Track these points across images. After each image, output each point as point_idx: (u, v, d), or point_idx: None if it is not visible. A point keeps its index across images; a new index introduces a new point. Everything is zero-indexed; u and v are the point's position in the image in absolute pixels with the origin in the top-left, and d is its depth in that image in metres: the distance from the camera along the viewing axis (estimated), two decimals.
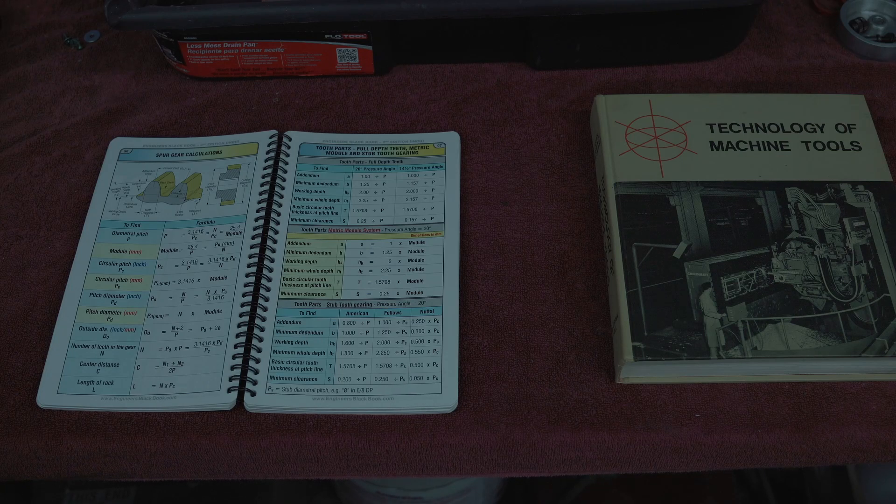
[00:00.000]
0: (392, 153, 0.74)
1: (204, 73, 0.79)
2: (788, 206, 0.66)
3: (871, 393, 0.61)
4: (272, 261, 0.67)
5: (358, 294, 0.66)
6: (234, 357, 0.62)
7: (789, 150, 0.69)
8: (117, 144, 0.75)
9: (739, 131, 0.71)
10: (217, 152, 0.74)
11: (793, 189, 0.67)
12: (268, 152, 0.73)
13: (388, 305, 0.65)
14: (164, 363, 0.63)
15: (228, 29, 0.75)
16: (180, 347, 0.63)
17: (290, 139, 0.74)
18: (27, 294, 0.67)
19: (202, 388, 0.61)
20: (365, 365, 0.62)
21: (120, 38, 0.84)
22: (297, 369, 0.62)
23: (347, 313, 0.65)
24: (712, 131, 0.71)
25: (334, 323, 0.64)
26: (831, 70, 0.79)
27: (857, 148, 0.69)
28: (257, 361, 0.62)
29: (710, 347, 0.59)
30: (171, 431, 0.60)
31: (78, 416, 0.61)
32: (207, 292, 0.66)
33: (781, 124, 0.71)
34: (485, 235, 0.69)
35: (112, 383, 0.62)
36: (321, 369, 0.62)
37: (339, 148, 0.74)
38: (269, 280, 0.66)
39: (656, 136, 0.70)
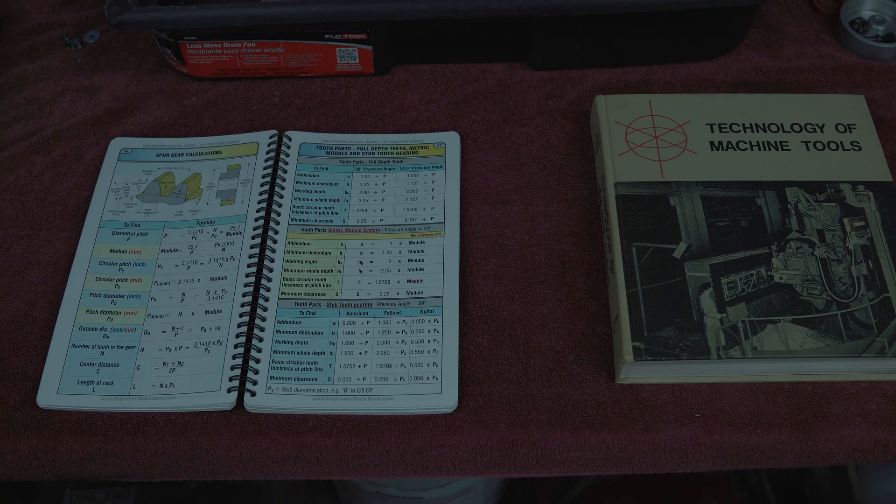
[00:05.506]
0: (392, 153, 0.74)
1: (204, 73, 0.79)
2: (788, 206, 0.66)
3: (871, 393, 0.61)
4: (272, 261, 0.67)
5: (358, 294, 0.66)
6: (234, 357, 0.62)
7: (789, 150, 0.69)
8: (117, 144, 0.75)
9: (739, 131, 0.71)
10: (217, 152, 0.74)
11: (793, 189, 0.67)
12: (268, 152, 0.73)
13: (388, 305, 0.65)
14: (165, 363, 0.63)
15: (228, 29, 0.75)
16: (180, 347, 0.63)
17: (290, 139, 0.74)
18: (27, 294, 0.67)
19: (202, 388, 0.61)
20: (365, 365, 0.62)
21: (120, 38, 0.84)
22: (297, 369, 0.62)
23: (347, 313, 0.65)
24: (712, 131, 0.71)
25: (334, 323, 0.64)
26: (831, 70, 0.79)
27: (857, 148, 0.69)
28: (257, 361, 0.62)
29: (710, 347, 0.59)
30: (171, 431, 0.60)
31: (78, 416, 0.61)
32: (207, 292, 0.66)
33: (781, 124, 0.71)
34: (485, 235, 0.69)
35: (112, 383, 0.62)
36: (321, 369, 0.62)
37: (339, 148, 0.74)
38: (269, 280, 0.66)
39: (656, 136, 0.70)
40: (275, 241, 0.68)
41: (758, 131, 0.71)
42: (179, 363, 0.63)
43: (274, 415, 0.61)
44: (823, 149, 0.70)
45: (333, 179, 0.72)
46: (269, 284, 0.66)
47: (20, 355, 0.64)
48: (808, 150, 0.69)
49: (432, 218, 0.70)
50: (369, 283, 0.66)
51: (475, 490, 1.09)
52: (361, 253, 0.68)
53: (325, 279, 0.66)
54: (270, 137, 0.75)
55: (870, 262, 0.63)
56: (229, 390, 0.61)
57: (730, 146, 0.70)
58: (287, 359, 0.62)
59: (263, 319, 0.64)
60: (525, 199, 0.71)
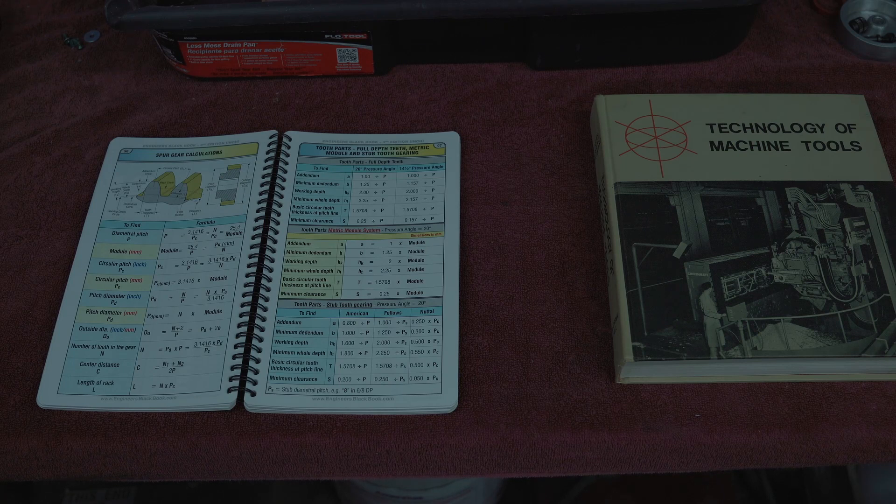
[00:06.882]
0: (392, 153, 0.74)
1: (204, 73, 0.79)
2: (788, 206, 0.66)
3: (871, 393, 0.61)
4: (272, 261, 0.67)
5: (358, 294, 0.66)
6: (234, 357, 0.62)
7: (789, 150, 0.69)
8: (117, 144, 0.75)
9: (739, 131, 0.71)
10: (217, 152, 0.74)
11: (793, 189, 0.67)
12: (268, 152, 0.73)
13: (388, 305, 0.65)
14: (165, 363, 0.63)
15: (228, 29, 0.75)
16: (180, 347, 0.63)
17: (290, 139, 0.74)
18: (27, 294, 0.67)
19: (202, 389, 0.61)
20: (365, 365, 0.62)
21: (120, 38, 0.84)
22: (297, 369, 0.62)
23: (347, 313, 0.65)
24: (712, 131, 0.71)
25: (334, 323, 0.64)
26: (831, 70, 0.79)
27: (857, 148, 0.69)
28: (257, 361, 0.62)
29: (710, 347, 0.59)
30: (171, 431, 0.60)
31: (78, 416, 0.61)
32: (207, 292, 0.66)
33: (781, 124, 0.71)
34: (485, 235, 0.69)
35: (112, 383, 0.62)
36: (321, 369, 0.62)
37: (339, 148, 0.74)
38: (269, 280, 0.66)
39: (656, 136, 0.70)
40: (275, 241, 0.68)
41: (758, 131, 0.71)
42: (179, 363, 0.63)
43: (274, 415, 0.61)
44: (823, 149, 0.70)
45: (333, 179, 0.72)
46: (269, 284, 0.66)
47: (20, 355, 0.64)
48: (808, 150, 0.69)
49: (432, 218, 0.70)
50: (369, 283, 0.66)
51: (475, 490, 1.09)
52: (361, 253, 0.68)
53: (325, 279, 0.66)
54: (270, 137, 0.75)
55: (870, 262, 0.63)
56: (229, 390, 0.61)
57: (730, 146, 0.70)
58: (287, 359, 0.62)
59: (263, 319, 0.64)
60: (525, 199, 0.71)
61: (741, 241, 0.64)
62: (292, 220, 0.69)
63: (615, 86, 0.78)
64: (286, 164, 0.73)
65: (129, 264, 0.68)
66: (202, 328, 0.64)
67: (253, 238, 0.68)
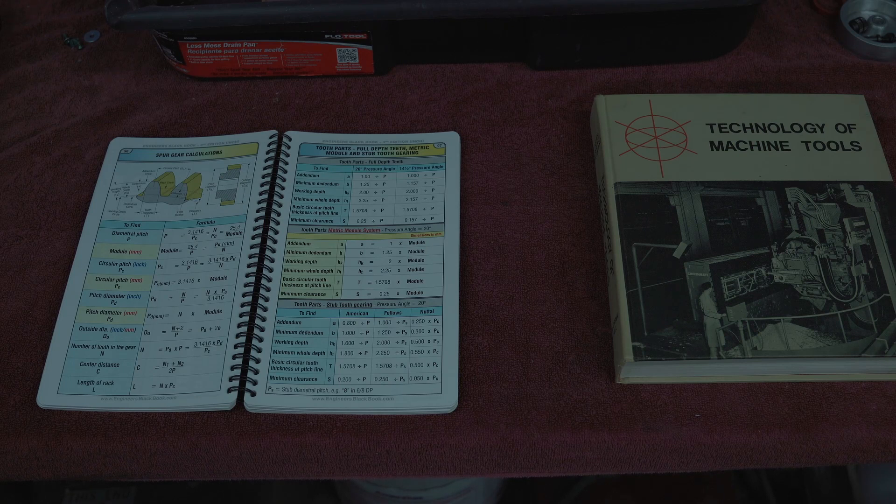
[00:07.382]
0: (392, 153, 0.74)
1: (204, 73, 0.79)
2: (788, 206, 0.66)
3: (871, 393, 0.61)
4: (272, 261, 0.67)
5: (358, 294, 0.66)
6: (234, 357, 0.62)
7: (789, 150, 0.69)
8: (117, 144, 0.75)
9: (739, 131, 0.71)
10: (217, 152, 0.74)
11: (793, 189, 0.67)
12: (268, 152, 0.73)
13: (388, 305, 0.65)
14: (165, 363, 0.63)
15: (228, 29, 0.75)
16: (180, 347, 0.63)
17: (290, 139, 0.74)
18: (27, 294, 0.67)
19: (202, 389, 0.61)
20: (365, 365, 0.62)
21: (120, 38, 0.84)
22: (297, 369, 0.62)
23: (347, 313, 0.65)
24: (712, 131, 0.71)
25: (334, 323, 0.64)
26: (831, 70, 0.79)
27: (857, 148, 0.69)
28: (257, 361, 0.62)
29: (710, 347, 0.59)
30: (171, 431, 0.60)
31: (78, 416, 0.61)
32: (207, 292, 0.66)
33: (781, 124, 0.71)
34: (485, 235, 0.69)
35: (112, 383, 0.62)
36: (321, 369, 0.62)
37: (339, 148, 0.74)
38: (269, 280, 0.66)
39: (656, 136, 0.70)
40: (275, 241, 0.68)
41: (758, 131, 0.71)
42: (179, 363, 0.63)
43: (274, 415, 0.61)
44: (823, 149, 0.70)
45: (333, 179, 0.72)
46: (269, 284, 0.66)
47: (20, 355, 0.64)
48: (808, 150, 0.69)
49: (432, 218, 0.70)
50: (369, 283, 0.66)
51: (475, 490, 1.09)
52: (361, 253, 0.68)
53: (325, 279, 0.66)
54: (270, 137, 0.75)
55: (870, 262, 0.63)
56: (229, 390, 0.61)
57: (730, 146, 0.70)
58: (287, 359, 0.62)
59: (263, 319, 0.64)
60: (525, 199, 0.71)
61: (741, 241, 0.64)
62: (292, 220, 0.69)
63: (615, 86, 0.78)
64: (286, 164, 0.73)
65: (129, 264, 0.68)
66: (202, 328, 0.64)
67: (253, 238, 0.68)
